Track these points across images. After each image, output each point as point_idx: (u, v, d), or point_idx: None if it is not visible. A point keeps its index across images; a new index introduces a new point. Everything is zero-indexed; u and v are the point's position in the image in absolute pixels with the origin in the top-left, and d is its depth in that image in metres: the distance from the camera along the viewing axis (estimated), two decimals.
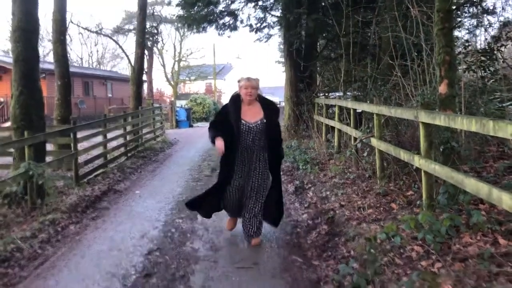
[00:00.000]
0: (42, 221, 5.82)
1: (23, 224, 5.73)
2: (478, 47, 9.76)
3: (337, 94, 12.79)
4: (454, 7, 5.41)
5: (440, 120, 3.95)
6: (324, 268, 4.26)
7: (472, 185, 3.37)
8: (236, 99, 4.84)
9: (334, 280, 3.85)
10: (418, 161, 4.48)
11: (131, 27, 28.40)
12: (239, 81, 4.83)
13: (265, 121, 4.73)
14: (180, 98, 36.67)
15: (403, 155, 4.97)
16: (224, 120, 4.80)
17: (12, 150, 7.29)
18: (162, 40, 28.93)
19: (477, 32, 10.69)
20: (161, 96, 42.82)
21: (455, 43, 8.37)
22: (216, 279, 4.06)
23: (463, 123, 3.49)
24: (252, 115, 4.74)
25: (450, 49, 4.77)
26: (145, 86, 27.37)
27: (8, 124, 20.16)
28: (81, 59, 42.65)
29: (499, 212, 4.19)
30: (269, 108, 4.84)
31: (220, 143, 4.60)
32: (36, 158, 6.73)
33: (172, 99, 35.44)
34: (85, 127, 9.36)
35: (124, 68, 47.48)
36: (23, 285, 4.12)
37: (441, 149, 4.65)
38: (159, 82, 46.05)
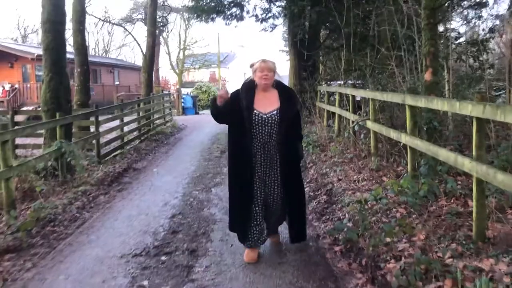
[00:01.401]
0: (75, 192, 6.64)
1: (59, 194, 6.53)
2: (470, 38, 10.47)
3: (339, 82, 13.50)
4: (442, 4, 6.07)
5: (422, 102, 4.71)
6: (322, 227, 5.04)
7: (443, 155, 4.14)
8: (249, 86, 4.04)
9: (331, 234, 4.63)
10: (404, 138, 5.24)
11: (139, 16, 29.09)
12: (251, 65, 4.05)
13: (280, 110, 3.92)
14: (185, 86, 37.35)
15: (393, 134, 5.73)
16: (233, 108, 3.96)
17: (41, 131, 8.05)
18: (167, 29, 29.50)
19: (470, 24, 11.37)
20: (166, 84, 43.49)
21: (447, 35, 9.07)
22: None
23: (438, 104, 4.25)
24: (267, 104, 3.93)
25: (434, 42, 5.50)
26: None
27: (24, 108, 20.99)
28: (88, 47, 43.24)
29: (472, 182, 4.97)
30: (286, 95, 4.04)
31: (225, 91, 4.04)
32: (65, 137, 7.51)
33: (177, 86, 36.15)
34: (106, 111, 10.13)
35: (129, 57, 48.16)
36: (70, 240, 4.92)
37: (425, 129, 5.40)
38: (164, 70, 46.78)
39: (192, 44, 43.66)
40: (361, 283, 3.61)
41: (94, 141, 8.94)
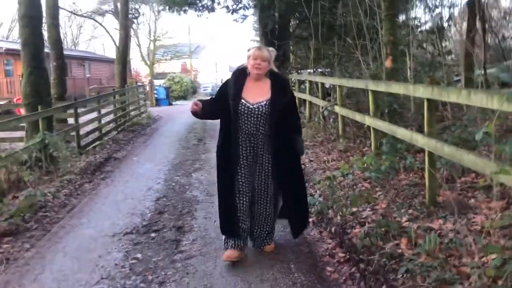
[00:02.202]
0: (61, 180, 6.93)
1: (46, 183, 6.81)
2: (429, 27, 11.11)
3: (309, 71, 14.02)
4: None
5: (382, 87, 5.24)
6: None
7: (401, 133, 4.68)
8: (240, 73, 3.83)
9: None
10: (368, 120, 5.77)
11: (108, 8, 28.96)
12: (248, 50, 3.83)
13: (270, 102, 3.69)
14: (156, 78, 37.33)
15: (358, 117, 6.26)
16: (221, 99, 3.84)
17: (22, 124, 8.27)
18: (137, 21, 29.47)
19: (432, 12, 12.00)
20: (137, 75, 43.26)
21: (409, 24, 9.66)
22: (214, 213, 5.24)
23: (395, 88, 4.77)
24: (256, 94, 3.71)
25: (393, 31, 6.04)
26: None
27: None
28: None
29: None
30: (279, 86, 3.80)
31: (193, 103, 3.84)
32: (47, 129, 7.77)
33: (149, 78, 36.11)
34: (84, 103, 10.36)
35: (99, 49, 47.55)
36: (62, 223, 5.26)
37: (386, 111, 5.94)
38: (135, 62, 46.41)
39: (162, 35, 43.47)
40: (331, 247, 4.12)
41: (74, 133, 9.18)
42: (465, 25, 9.80)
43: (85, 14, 28.52)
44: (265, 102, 3.70)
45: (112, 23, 44.12)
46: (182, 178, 7.10)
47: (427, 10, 10.74)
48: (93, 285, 3.66)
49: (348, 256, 3.86)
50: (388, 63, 6.08)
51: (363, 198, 4.58)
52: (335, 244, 4.16)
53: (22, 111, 14.46)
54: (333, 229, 4.43)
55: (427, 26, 10.76)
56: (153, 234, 4.70)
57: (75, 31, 45.73)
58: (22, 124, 8.28)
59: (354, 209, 4.58)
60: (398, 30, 7.91)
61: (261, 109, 3.69)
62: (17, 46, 25.98)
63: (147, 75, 42.62)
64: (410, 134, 4.41)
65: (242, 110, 3.69)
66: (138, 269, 3.89)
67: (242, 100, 3.70)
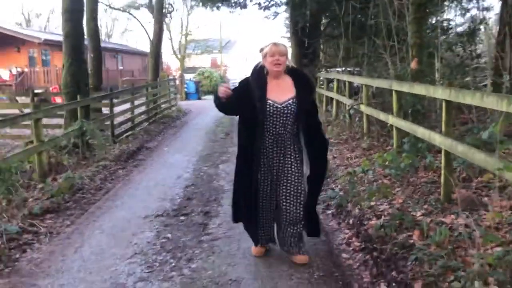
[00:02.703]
0: (96, 166, 7.38)
1: (82, 168, 7.26)
2: (461, 29, 11.12)
3: (337, 69, 14.18)
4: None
5: (405, 87, 5.43)
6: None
7: (420, 132, 4.87)
8: (259, 72, 3.67)
9: (324, 201, 5.39)
10: (391, 119, 5.97)
11: (142, 1, 29.57)
12: (261, 50, 3.68)
13: (296, 99, 3.58)
14: (186, 72, 37.94)
15: (382, 116, 6.46)
16: (243, 98, 3.62)
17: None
18: (170, 15, 30.01)
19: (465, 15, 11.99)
20: (168, 69, 44.00)
21: (438, 26, 9.73)
22: None
23: (417, 89, 4.97)
24: (281, 93, 3.58)
25: (419, 34, 6.21)
26: None
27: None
28: None
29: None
30: (301, 82, 3.68)
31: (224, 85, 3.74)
32: (85, 118, 8.24)
33: (179, 72, 36.75)
34: (119, 94, 10.84)
35: (132, 42, 48.54)
36: (98, 204, 5.68)
37: (409, 111, 6.12)
38: (166, 55, 47.13)
39: (194, 30, 44.04)
40: (348, 237, 4.38)
41: (108, 122, 9.65)
42: (497, 28, 9.82)
43: (120, 8, 29.20)
44: (292, 100, 3.57)
45: (146, 17, 45.05)
46: (209, 169, 7.44)
47: (458, 12, 10.77)
48: (127, 258, 4.02)
49: (363, 245, 4.11)
50: (413, 64, 6.25)
51: (381, 193, 4.81)
52: (352, 234, 4.42)
53: (58, 100, 15.24)
54: (350, 221, 4.68)
55: (458, 28, 10.77)
56: (182, 218, 5.05)
57: (109, 24, 46.85)
58: (59, 112, 8.77)
59: (372, 203, 4.82)
60: (426, 32, 8.05)
61: (289, 107, 3.55)
62: (54, 37, 27.07)
63: (178, 68, 43.27)
64: (429, 133, 4.61)
65: (271, 110, 3.54)
66: (168, 247, 4.24)
67: (269, 101, 3.55)
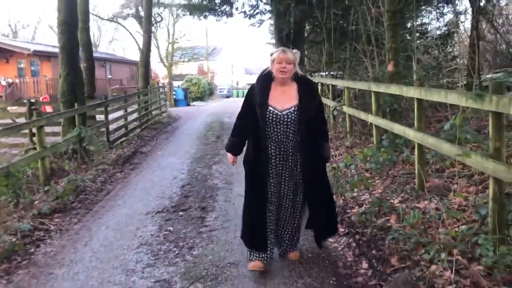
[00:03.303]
0: (96, 170, 7.77)
1: (82, 172, 7.65)
2: (438, 33, 11.75)
3: (321, 73, 14.72)
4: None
5: (382, 88, 5.94)
6: None
7: (397, 128, 5.37)
8: (265, 78, 3.67)
9: None
10: (370, 118, 6.47)
11: (130, 11, 30.04)
12: (271, 54, 3.64)
13: (298, 108, 3.52)
14: (174, 79, 38.35)
15: (363, 115, 6.97)
16: (249, 108, 3.67)
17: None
18: (158, 24, 30.49)
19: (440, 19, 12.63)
20: (156, 77, 44.35)
21: (414, 30, 10.31)
22: (232, 197, 6.01)
23: (392, 89, 5.48)
24: (284, 100, 3.55)
25: (395, 39, 6.73)
26: None
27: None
28: None
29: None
30: (306, 90, 3.62)
31: (231, 157, 3.85)
32: (82, 125, 8.62)
33: (167, 79, 37.15)
34: (113, 101, 11.21)
35: (119, 52, 48.82)
36: (101, 204, 6.07)
37: (388, 110, 6.63)
38: (153, 63, 47.45)
39: (180, 38, 44.54)
40: None
41: (104, 129, 10.03)
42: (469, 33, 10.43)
43: (109, 18, 29.57)
44: (293, 108, 3.51)
45: (133, 26, 45.45)
46: (203, 170, 7.87)
47: (434, 16, 11.38)
48: (134, 249, 4.44)
49: (346, 231, 4.59)
50: (390, 67, 6.77)
51: (362, 185, 5.29)
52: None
53: (48, 109, 15.53)
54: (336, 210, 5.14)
55: (434, 32, 11.38)
56: (181, 213, 5.48)
57: (96, 34, 47.10)
58: (58, 120, 9.12)
59: (355, 194, 5.30)
60: (404, 37, 8.60)
61: (290, 116, 3.51)
62: (43, 48, 27.31)
63: (165, 76, 43.71)
64: (404, 129, 5.10)
65: (271, 117, 3.52)
66: (170, 238, 4.67)
67: (270, 108, 3.52)
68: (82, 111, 8.57)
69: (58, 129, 9.66)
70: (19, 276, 4.00)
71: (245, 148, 3.85)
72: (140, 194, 6.47)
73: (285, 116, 3.51)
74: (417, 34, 10.81)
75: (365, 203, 4.98)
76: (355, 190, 5.41)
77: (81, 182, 6.84)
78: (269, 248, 3.77)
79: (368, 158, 6.07)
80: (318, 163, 3.70)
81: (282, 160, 3.62)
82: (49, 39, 32.88)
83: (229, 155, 3.83)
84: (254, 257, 3.75)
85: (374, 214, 4.56)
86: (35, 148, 7.38)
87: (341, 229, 4.67)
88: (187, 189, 6.57)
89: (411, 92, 4.81)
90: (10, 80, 24.37)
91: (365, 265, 3.83)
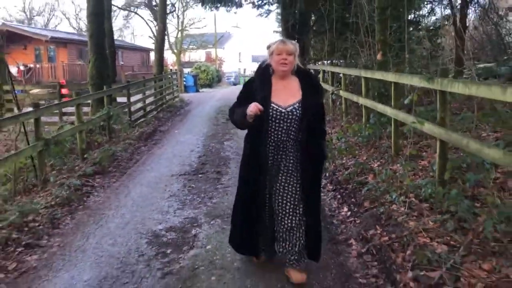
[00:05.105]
0: (123, 143, 8.95)
1: (112, 145, 8.83)
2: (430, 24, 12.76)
3: (325, 62, 15.77)
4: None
5: (369, 74, 7.04)
6: None
7: (379, 107, 6.48)
8: (264, 72, 3.39)
9: None
10: (361, 100, 7.58)
11: (142, 0, 31.11)
12: (268, 47, 3.37)
13: (301, 104, 3.24)
14: (183, 66, 39.45)
15: (355, 98, 8.07)
16: (249, 100, 3.22)
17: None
18: (170, 13, 31.58)
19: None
20: (165, 64, 45.39)
21: (405, 22, 11.32)
22: None
23: (377, 75, 6.58)
24: (286, 95, 3.28)
25: (384, 32, 7.79)
26: (153, 54, 30.29)
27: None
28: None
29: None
30: (308, 84, 3.35)
31: (252, 110, 3.11)
32: (110, 105, 9.79)
33: (176, 66, 38.25)
34: (134, 85, 12.37)
35: (129, 39, 49.87)
36: (133, 169, 7.26)
37: (376, 94, 7.72)
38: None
39: (190, 26, 45.53)
40: (323, 184, 5.98)
41: (126, 109, 11.20)
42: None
43: (122, 7, 30.72)
44: (297, 104, 3.24)
45: (144, 14, 46.39)
46: (216, 145, 9.04)
47: (428, 9, 12.39)
48: (166, 198, 5.63)
49: (334, 187, 5.75)
50: (379, 56, 7.84)
51: (350, 153, 6.44)
52: (327, 182, 6.04)
53: (64, 92, 16.76)
54: (327, 174, 6.30)
55: (425, 24, 12.38)
56: (200, 175, 6.66)
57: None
58: (87, 101, 10.28)
59: (343, 161, 6.45)
60: (395, 29, 9.66)
61: (294, 112, 3.22)
62: (60, 35, 28.49)
63: (173, 63, 44.80)
64: (384, 107, 6.22)
65: (274, 115, 3.22)
66: (194, 191, 5.85)
67: (273, 104, 3.23)
68: (110, 93, 9.73)
69: (85, 109, 10.82)
70: (79, 215, 5.21)
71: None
72: (164, 162, 7.65)
73: (289, 113, 3.22)
74: (411, 27, 11.81)
75: (350, 167, 6.12)
76: (344, 158, 6.56)
77: (113, 152, 8.03)
78: (261, 250, 3.58)
79: (357, 134, 7.19)
80: (316, 164, 3.40)
81: (279, 160, 3.32)
82: (62, 26, 34.02)
83: (248, 112, 3.12)
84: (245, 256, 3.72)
85: (356, 173, 5.71)
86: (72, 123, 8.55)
87: (329, 186, 5.85)
88: (204, 159, 7.74)
89: (389, 76, 5.92)
90: (30, 65, 25.57)
91: (345, 209, 5.00)
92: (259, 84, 3.34)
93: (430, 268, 3.20)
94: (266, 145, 3.29)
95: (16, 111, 8.23)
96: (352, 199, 5.13)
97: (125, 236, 4.48)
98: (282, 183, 3.32)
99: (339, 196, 5.42)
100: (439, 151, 4.41)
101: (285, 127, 3.24)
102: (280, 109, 3.22)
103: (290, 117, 3.22)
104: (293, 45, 3.29)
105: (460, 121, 6.02)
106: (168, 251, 4.09)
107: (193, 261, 3.87)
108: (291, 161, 3.30)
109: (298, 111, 3.22)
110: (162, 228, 4.64)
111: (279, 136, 3.27)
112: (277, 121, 3.23)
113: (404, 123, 5.66)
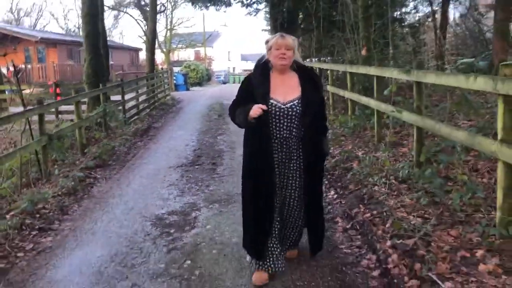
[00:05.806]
0: (120, 139, 9.31)
1: (110, 140, 9.18)
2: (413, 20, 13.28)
3: (312, 59, 16.23)
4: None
5: (354, 69, 7.49)
6: None
7: (363, 100, 6.93)
8: (263, 68, 3.34)
9: None
10: (346, 94, 8.03)
11: (131, 0, 31.36)
12: (267, 42, 3.33)
13: (301, 100, 3.21)
14: (172, 65, 39.71)
15: (341, 92, 8.52)
16: (249, 97, 3.25)
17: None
18: (160, 13, 31.85)
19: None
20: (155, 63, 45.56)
21: (389, 19, 11.82)
22: (235, 157, 7.56)
23: (361, 69, 7.03)
24: (285, 91, 3.25)
25: (367, 29, 8.27)
26: (142, 54, 30.56)
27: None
28: (79, 28, 45.10)
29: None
30: (308, 80, 3.31)
31: (255, 111, 3.12)
32: (105, 102, 10.13)
33: (165, 65, 38.51)
34: (127, 84, 12.72)
35: (116, 38, 49.91)
36: (132, 162, 7.64)
37: (360, 87, 8.18)
38: None
39: (178, 25, 45.76)
40: None
41: (121, 107, 11.54)
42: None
43: (112, 7, 30.92)
44: (297, 101, 3.20)
45: (133, 13, 46.52)
46: (210, 139, 9.43)
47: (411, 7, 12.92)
48: (165, 187, 6.02)
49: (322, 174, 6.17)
50: (363, 52, 8.31)
51: (336, 143, 6.89)
52: None
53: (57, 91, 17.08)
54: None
55: (410, 21, 12.91)
56: (196, 166, 7.06)
57: None
58: (84, 99, 10.61)
59: (330, 150, 6.88)
60: (378, 26, 10.13)
61: (294, 109, 3.19)
62: (49, 35, 28.60)
63: (162, 62, 45.03)
64: (367, 99, 6.67)
65: (273, 111, 3.19)
66: (191, 180, 6.25)
67: (272, 100, 3.19)
68: (105, 91, 10.08)
69: (81, 107, 11.16)
70: (85, 203, 5.59)
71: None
72: (161, 155, 8.03)
73: (289, 109, 3.18)
74: (396, 24, 12.32)
75: (337, 155, 6.56)
76: (331, 148, 6.99)
77: (112, 146, 8.39)
78: (273, 255, 3.38)
79: (343, 125, 7.64)
80: (319, 160, 3.42)
81: (285, 158, 3.28)
82: (50, 26, 34.10)
83: (251, 114, 3.12)
84: (258, 266, 3.41)
85: (342, 161, 6.16)
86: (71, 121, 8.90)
87: None
88: (199, 152, 8.14)
89: (372, 70, 6.37)
90: (22, 66, 25.67)
91: (332, 192, 5.43)
92: (258, 81, 3.30)
93: (406, 236, 3.64)
94: (270, 146, 3.23)
95: (11, 110, 8.61)
96: (339, 183, 5.57)
97: (131, 220, 4.87)
98: (292, 183, 3.33)
99: (326, 182, 5.84)
100: (416, 136, 4.86)
101: (285, 124, 3.21)
102: (280, 105, 3.18)
103: (290, 113, 3.18)
104: (292, 40, 3.25)
105: (440, 111, 6.49)
106: (172, 231, 4.49)
107: (195, 238, 4.28)
108: (298, 160, 3.28)
109: (298, 108, 3.19)
110: (165, 212, 5.04)
111: (282, 133, 3.22)
112: (277, 117, 3.20)
113: (386, 113, 6.12)
